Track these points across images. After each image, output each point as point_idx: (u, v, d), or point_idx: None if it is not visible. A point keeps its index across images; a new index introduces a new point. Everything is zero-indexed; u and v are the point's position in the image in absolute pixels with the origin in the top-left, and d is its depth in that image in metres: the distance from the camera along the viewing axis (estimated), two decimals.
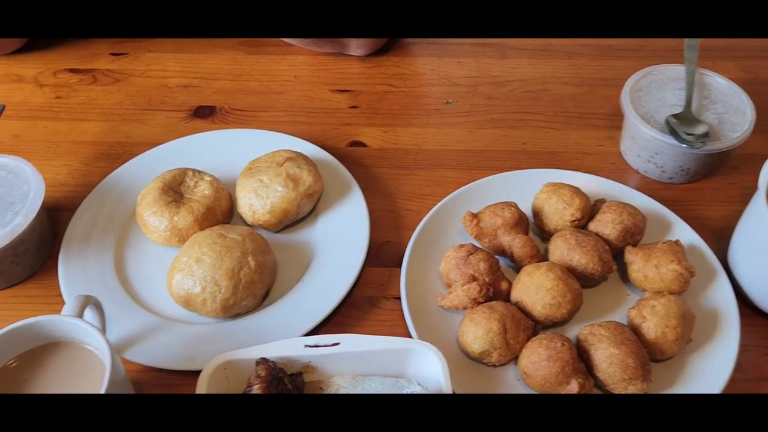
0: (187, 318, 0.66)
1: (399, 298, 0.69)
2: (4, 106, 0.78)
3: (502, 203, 0.68)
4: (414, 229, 0.74)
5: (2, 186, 0.70)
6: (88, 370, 0.53)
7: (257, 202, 0.71)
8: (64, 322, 0.53)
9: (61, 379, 0.53)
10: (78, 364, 0.54)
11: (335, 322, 0.67)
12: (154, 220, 0.70)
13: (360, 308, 0.69)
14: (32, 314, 0.67)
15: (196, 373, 0.62)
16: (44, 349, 0.54)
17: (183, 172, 0.74)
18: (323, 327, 0.66)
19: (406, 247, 0.73)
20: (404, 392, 0.57)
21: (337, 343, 0.59)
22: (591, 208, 0.70)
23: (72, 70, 0.96)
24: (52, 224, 0.75)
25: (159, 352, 0.63)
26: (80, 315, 0.56)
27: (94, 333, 0.52)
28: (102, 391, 0.49)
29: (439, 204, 0.73)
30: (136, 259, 0.71)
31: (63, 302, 0.69)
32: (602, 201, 0.71)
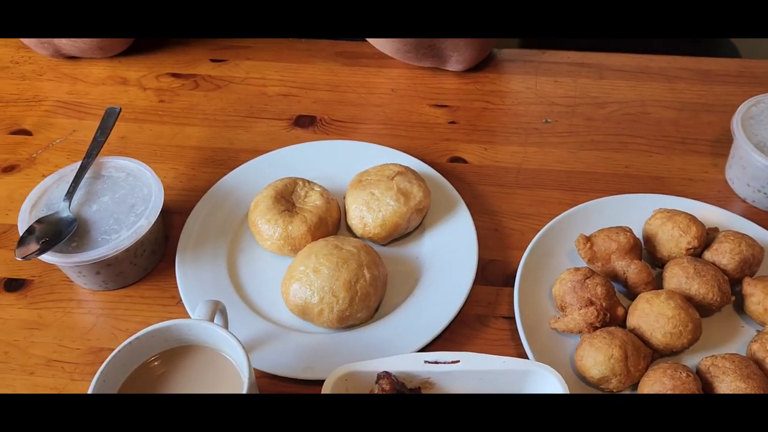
0: (300, 327, 0.67)
1: (508, 318, 0.69)
2: (120, 109, 0.80)
3: (616, 228, 0.68)
4: (519, 249, 0.74)
5: (123, 188, 0.72)
6: (223, 376, 0.54)
7: (368, 214, 0.72)
8: (203, 327, 0.54)
9: (195, 380, 0.54)
10: (212, 368, 0.55)
11: (445, 338, 0.67)
12: (268, 228, 0.71)
13: (470, 326, 0.69)
14: (147, 314, 0.70)
15: (312, 382, 0.63)
16: (181, 351, 0.56)
17: (294, 182, 0.75)
18: (434, 343, 0.67)
19: (512, 266, 0.73)
20: None
21: (457, 361, 0.59)
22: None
23: (174, 75, 0.98)
24: (165, 227, 0.76)
25: (275, 359, 0.64)
26: (211, 320, 0.57)
27: (232, 341, 0.53)
28: None
29: (547, 225, 0.73)
30: (247, 265, 0.72)
31: (176, 304, 0.71)
32: (715, 230, 0.71)
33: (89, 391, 0.51)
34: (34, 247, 0.63)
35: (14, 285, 0.72)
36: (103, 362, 0.65)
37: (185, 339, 0.56)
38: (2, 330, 0.69)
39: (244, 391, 0.51)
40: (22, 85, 0.96)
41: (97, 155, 0.74)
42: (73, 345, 0.68)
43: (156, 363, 0.55)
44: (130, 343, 0.53)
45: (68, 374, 0.66)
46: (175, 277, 0.72)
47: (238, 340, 0.53)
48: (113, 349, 0.67)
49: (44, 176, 0.83)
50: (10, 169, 0.85)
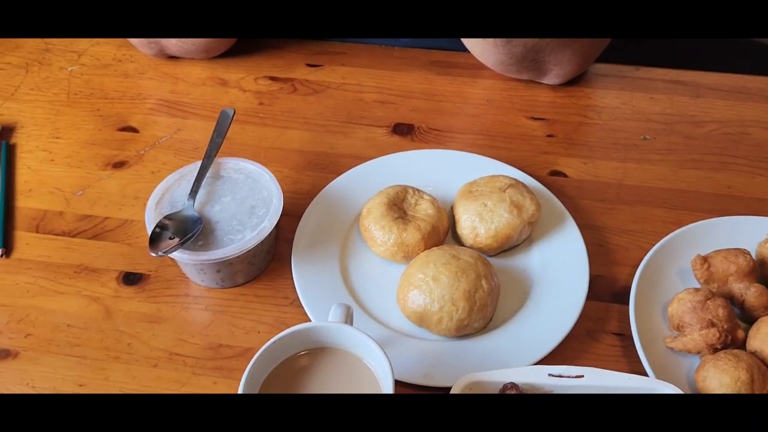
0: (415, 333, 0.68)
1: (618, 334, 0.70)
2: (234, 112, 0.82)
3: (734, 250, 0.68)
4: (625, 265, 0.75)
5: (243, 189, 0.74)
6: (359, 379, 0.56)
7: (481, 225, 0.73)
8: (345, 331, 0.56)
9: (334, 382, 0.56)
10: (349, 371, 0.56)
11: (556, 352, 0.68)
12: (382, 234, 0.72)
13: (580, 340, 0.69)
14: (262, 313, 0.72)
15: (431, 389, 0.64)
16: (319, 352, 0.57)
17: (404, 190, 0.76)
18: (546, 356, 0.67)
19: (619, 282, 0.74)
20: None
21: (581, 376, 0.60)
22: None
23: (272, 78, 1.00)
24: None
25: (395, 364, 0.64)
26: (345, 323, 0.59)
27: (374, 348, 0.54)
28: None
29: (657, 244, 0.73)
30: (359, 269, 0.74)
31: (289, 304, 0.72)
32: None
33: (240, 388, 0.52)
34: (169, 243, 0.65)
35: (132, 279, 0.75)
36: (222, 358, 0.68)
37: (324, 341, 0.57)
38: (125, 322, 0.71)
39: None
40: (126, 83, 0.99)
41: (215, 156, 0.76)
42: (193, 340, 0.70)
43: (304, 355, 0.57)
44: (274, 342, 0.55)
45: (190, 368, 0.67)
46: (286, 277, 0.74)
47: (383, 350, 0.54)
48: (232, 346, 0.69)
49: (153, 173, 0.86)
50: (120, 164, 0.87)
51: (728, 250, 0.69)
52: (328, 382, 0.56)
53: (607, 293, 0.73)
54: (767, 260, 0.70)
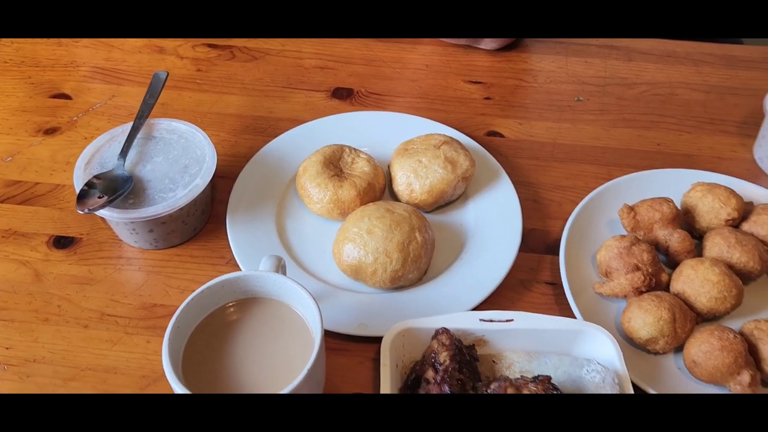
0: (351, 287, 0.69)
1: (550, 284, 0.71)
2: (167, 74, 0.81)
3: (659, 198, 0.70)
4: (558, 219, 0.77)
5: (176, 149, 0.73)
6: (291, 328, 0.56)
7: (416, 181, 0.73)
8: (274, 279, 0.56)
9: (266, 331, 0.56)
10: (280, 320, 0.56)
11: (490, 301, 0.69)
12: (318, 192, 0.72)
13: (513, 290, 0.71)
14: (197, 272, 0.72)
15: (366, 339, 0.65)
16: (249, 303, 0.57)
17: (341, 149, 0.76)
18: (480, 306, 0.68)
19: (551, 235, 0.76)
20: (583, 370, 0.59)
21: (512, 320, 0.61)
22: None
23: (210, 45, 0.99)
24: (211, 189, 0.77)
25: (330, 316, 0.65)
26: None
27: (303, 295, 0.54)
28: (314, 353, 0.51)
29: (587, 197, 0.75)
30: (295, 227, 0.74)
31: (225, 264, 0.72)
32: (751, 203, 0.73)
33: (165, 337, 0.52)
34: (97, 201, 0.64)
35: (63, 242, 0.73)
36: (156, 317, 0.67)
37: (253, 291, 0.57)
38: (54, 284, 0.70)
39: (317, 344, 0.52)
40: (59, 51, 0.96)
41: (147, 117, 0.75)
42: (125, 300, 0.69)
43: (234, 307, 0.57)
44: (201, 291, 0.54)
45: (122, 328, 0.67)
46: (222, 238, 0.73)
47: (312, 296, 0.54)
48: (166, 305, 0.69)
49: (86, 139, 0.84)
50: (51, 131, 0.85)
51: (653, 199, 0.71)
52: (258, 330, 0.56)
53: (540, 245, 0.75)
54: (691, 209, 0.72)
